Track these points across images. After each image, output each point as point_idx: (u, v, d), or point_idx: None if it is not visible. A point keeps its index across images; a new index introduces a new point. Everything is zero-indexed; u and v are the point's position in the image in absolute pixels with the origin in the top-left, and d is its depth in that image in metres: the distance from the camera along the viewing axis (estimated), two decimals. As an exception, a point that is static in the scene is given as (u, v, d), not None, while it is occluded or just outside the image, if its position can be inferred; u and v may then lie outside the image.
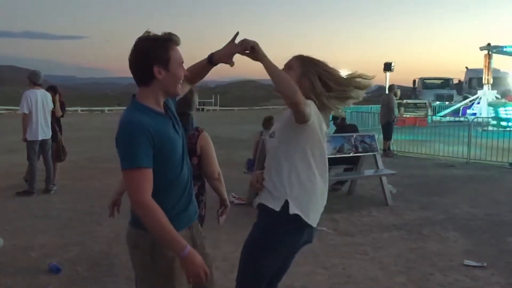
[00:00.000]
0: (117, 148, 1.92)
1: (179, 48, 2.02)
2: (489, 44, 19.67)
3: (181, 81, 2.02)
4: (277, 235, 2.30)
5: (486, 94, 19.81)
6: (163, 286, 2.01)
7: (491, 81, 19.81)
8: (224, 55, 2.20)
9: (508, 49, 19.61)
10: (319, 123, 2.28)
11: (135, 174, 1.87)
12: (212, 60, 2.23)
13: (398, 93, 19.42)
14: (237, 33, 2.17)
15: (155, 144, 1.90)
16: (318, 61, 2.35)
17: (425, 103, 21.80)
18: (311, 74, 2.30)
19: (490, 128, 14.52)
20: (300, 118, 2.19)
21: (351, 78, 2.36)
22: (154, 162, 1.91)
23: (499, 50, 19.72)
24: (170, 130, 2.01)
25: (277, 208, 2.26)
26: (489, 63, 19.55)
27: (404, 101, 20.81)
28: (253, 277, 2.38)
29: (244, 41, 2.13)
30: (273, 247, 2.32)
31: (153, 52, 1.93)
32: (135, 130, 1.88)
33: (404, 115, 18.40)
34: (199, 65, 2.29)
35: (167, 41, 1.95)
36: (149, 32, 1.98)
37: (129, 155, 1.87)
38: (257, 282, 2.37)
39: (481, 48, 19.67)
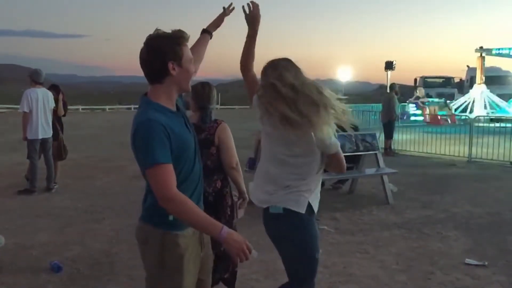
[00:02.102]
0: (135, 148, 1.93)
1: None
2: (481, 47, 20.41)
3: (192, 77, 2.07)
4: None
5: (484, 92, 20.01)
6: (171, 281, 2.02)
7: (483, 80, 20.23)
8: (216, 21, 2.57)
9: (495, 51, 20.53)
10: (261, 115, 2.48)
11: (159, 170, 1.88)
12: (207, 30, 2.52)
13: (422, 91, 19.28)
14: (231, 4, 2.60)
15: (171, 141, 1.92)
16: (277, 70, 2.44)
17: (446, 102, 21.79)
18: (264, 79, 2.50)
19: (482, 124, 14.57)
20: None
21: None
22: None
23: (490, 52, 20.54)
24: (183, 128, 2.04)
25: None
26: (483, 64, 20.34)
27: (430, 100, 20.74)
28: None
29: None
30: None
31: (168, 49, 1.96)
32: (153, 128, 1.89)
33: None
34: (197, 45, 2.49)
35: (180, 38, 1.99)
36: (158, 29, 2.00)
37: (150, 153, 1.88)
38: None
39: (476, 51, 20.48)
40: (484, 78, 20.37)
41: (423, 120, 17.44)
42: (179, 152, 1.96)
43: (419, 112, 18.86)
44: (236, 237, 1.89)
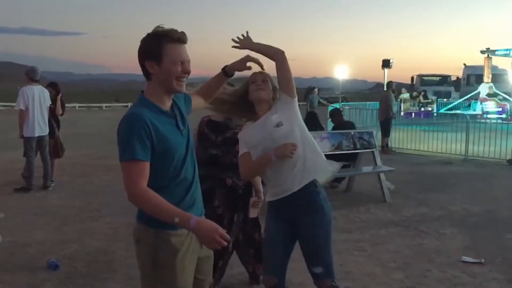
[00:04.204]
0: (117, 141, 1.94)
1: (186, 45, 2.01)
2: (488, 48, 20.90)
3: (179, 79, 1.99)
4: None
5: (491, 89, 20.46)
6: (164, 280, 2.01)
7: (490, 78, 20.58)
8: (237, 64, 2.39)
9: (499, 52, 21.12)
10: None
11: (130, 166, 1.89)
12: (226, 71, 2.39)
13: (493, 88, 18.79)
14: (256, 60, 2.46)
15: (152, 138, 1.90)
16: None
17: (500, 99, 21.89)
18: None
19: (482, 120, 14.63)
20: (295, 90, 2.61)
21: None
22: (152, 158, 1.92)
23: (494, 53, 21.15)
24: (171, 128, 2.00)
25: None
26: (489, 64, 20.90)
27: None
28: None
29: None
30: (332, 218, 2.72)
31: (146, 47, 1.96)
32: (133, 123, 1.89)
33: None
34: (213, 80, 2.44)
35: (160, 37, 1.95)
36: (158, 26, 1.98)
37: (125, 147, 1.89)
38: None
39: (482, 52, 21.01)
40: (481, 76, 20.67)
41: (504, 118, 16.88)
42: (163, 152, 1.94)
43: (499, 109, 18.64)
44: (207, 227, 1.86)
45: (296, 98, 2.63)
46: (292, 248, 2.76)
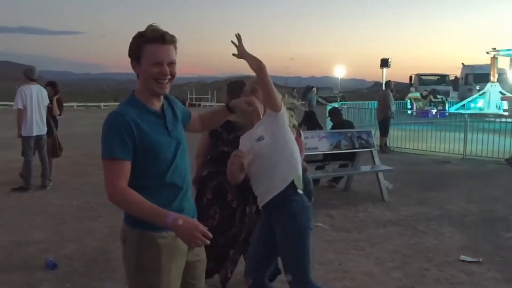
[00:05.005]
0: (101, 139, 1.92)
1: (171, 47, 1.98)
2: (494, 48, 21.29)
3: (158, 80, 1.94)
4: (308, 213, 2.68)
5: (497, 89, 20.70)
6: (149, 282, 1.97)
7: (496, 78, 20.97)
8: (240, 103, 2.37)
9: (502, 52, 21.59)
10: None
11: (109, 165, 1.87)
12: (229, 107, 2.38)
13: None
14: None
15: (134, 137, 1.88)
16: None
17: None
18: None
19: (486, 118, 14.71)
20: (278, 105, 2.59)
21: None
22: (135, 158, 1.90)
23: (499, 53, 21.59)
24: (157, 127, 1.97)
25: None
26: (495, 64, 21.36)
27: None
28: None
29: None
30: (309, 227, 2.66)
31: (129, 47, 1.97)
32: (115, 121, 1.88)
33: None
34: (215, 113, 2.45)
35: (138, 37, 1.94)
36: (150, 25, 1.97)
37: (106, 145, 1.88)
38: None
39: (487, 52, 21.47)
40: (479, 75, 20.79)
41: None
42: (146, 150, 1.91)
43: None
44: (185, 224, 1.80)
45: (281, 112, 2.61)
46: (276, 252, 2.77)
